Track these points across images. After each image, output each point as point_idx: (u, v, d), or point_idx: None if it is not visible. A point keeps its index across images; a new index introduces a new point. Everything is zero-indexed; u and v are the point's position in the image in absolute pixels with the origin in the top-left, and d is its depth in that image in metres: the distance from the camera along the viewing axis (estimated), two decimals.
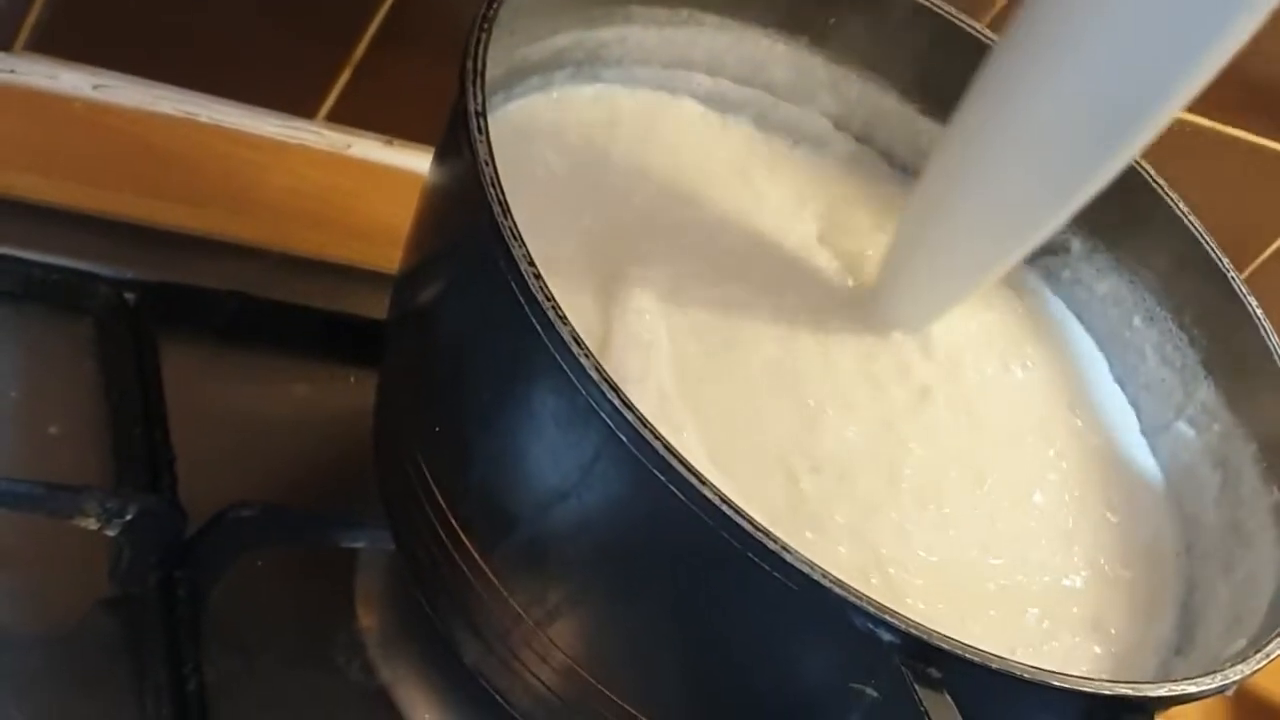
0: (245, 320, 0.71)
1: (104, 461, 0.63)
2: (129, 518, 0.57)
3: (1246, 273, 1.04)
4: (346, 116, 0.82)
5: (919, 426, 0.64)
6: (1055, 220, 0.63)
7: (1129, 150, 0.59)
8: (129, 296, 0.68)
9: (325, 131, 0.82)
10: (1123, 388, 0.71)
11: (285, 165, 0.80)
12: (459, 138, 0.54)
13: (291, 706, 0.61)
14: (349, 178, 0.82)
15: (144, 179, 0.75)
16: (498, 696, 0.59)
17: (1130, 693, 0.52)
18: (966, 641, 0.49)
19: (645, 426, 0.49)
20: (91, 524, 0.57)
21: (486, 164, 0.52)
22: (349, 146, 0.83)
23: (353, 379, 0.72)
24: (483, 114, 0.54)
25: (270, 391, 0.70)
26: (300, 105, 0.81)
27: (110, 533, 0.58)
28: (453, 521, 0.56)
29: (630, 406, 0.49)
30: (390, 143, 0.84)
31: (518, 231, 0.51)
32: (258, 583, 0.63)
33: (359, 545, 0.64)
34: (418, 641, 0.64)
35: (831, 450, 0.60)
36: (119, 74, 0.76)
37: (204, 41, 0.77)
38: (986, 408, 0.66)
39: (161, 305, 0.68)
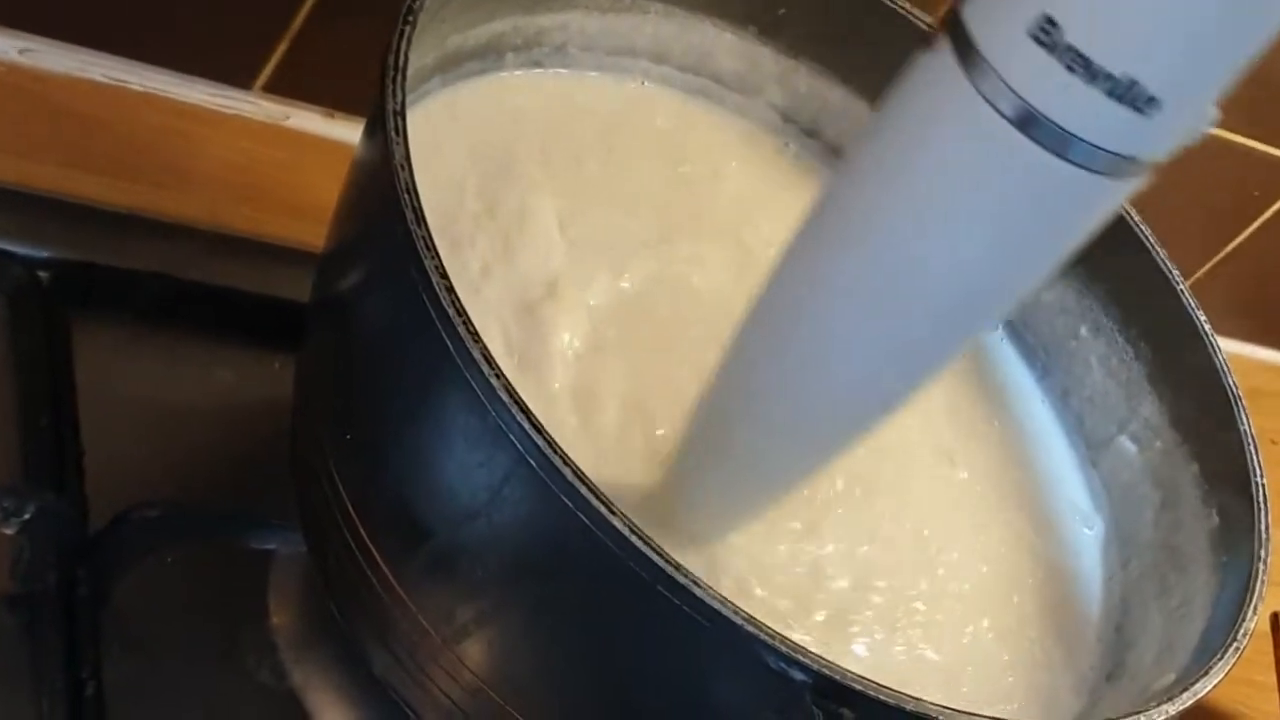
0: (167, 303, 0.68)
1: (9, 453, 0.61)
2: (27, 517, 0.55)
3: (1205, 269, 1.03)
4: (285, 87, 0.79)
5: None
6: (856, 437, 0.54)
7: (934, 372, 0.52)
8: (43, 275, 0.65)
9: (262, 102, 0.80)
10: (1066, 400, 0.70)
11: (220, 137, 0.78)
12: (377, 136, 0.52)
13: (196, 710, 0.59)
14: (286, 151, 0.80)
15: (69, 149, 0.73)
16: (407, 710, 0.57)
17: None
18: (878, 680, 0.48)
19: (555, 451, 0.47)
20: None
21: (402, 168, 0.50)
22: (287, 118, 0.80)
23: (278, 365, 0.70)
24: (401, 113, 0.51)
25: (191, 378, 0.68)
26: (236, 74, 0.78)
27: (8, 531, 0.56)
28: (362, 532, 0.54)
29: (540, 429, 0.47)
30: (330, 115, 0.81)
31: (432, 243, 0.49)
32: (166, 581, 0.61)
33: (269, 547, 0.62)
34: (331, 645, 0.62)
35: None
36: (46, 38, 0.74)
37: (137, 5, 0.74)
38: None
39: (78, 286, 0.66)
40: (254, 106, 0.79)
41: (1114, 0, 0.42)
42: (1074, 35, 0.42)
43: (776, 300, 0.52)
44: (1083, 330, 0.69)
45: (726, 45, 0.69)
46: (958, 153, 0.46)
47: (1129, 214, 0.67)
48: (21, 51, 0.73)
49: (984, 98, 0.44)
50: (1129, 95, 0.42)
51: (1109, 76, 0.42)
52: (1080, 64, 0.42)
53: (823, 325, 0.51)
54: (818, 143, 0.71)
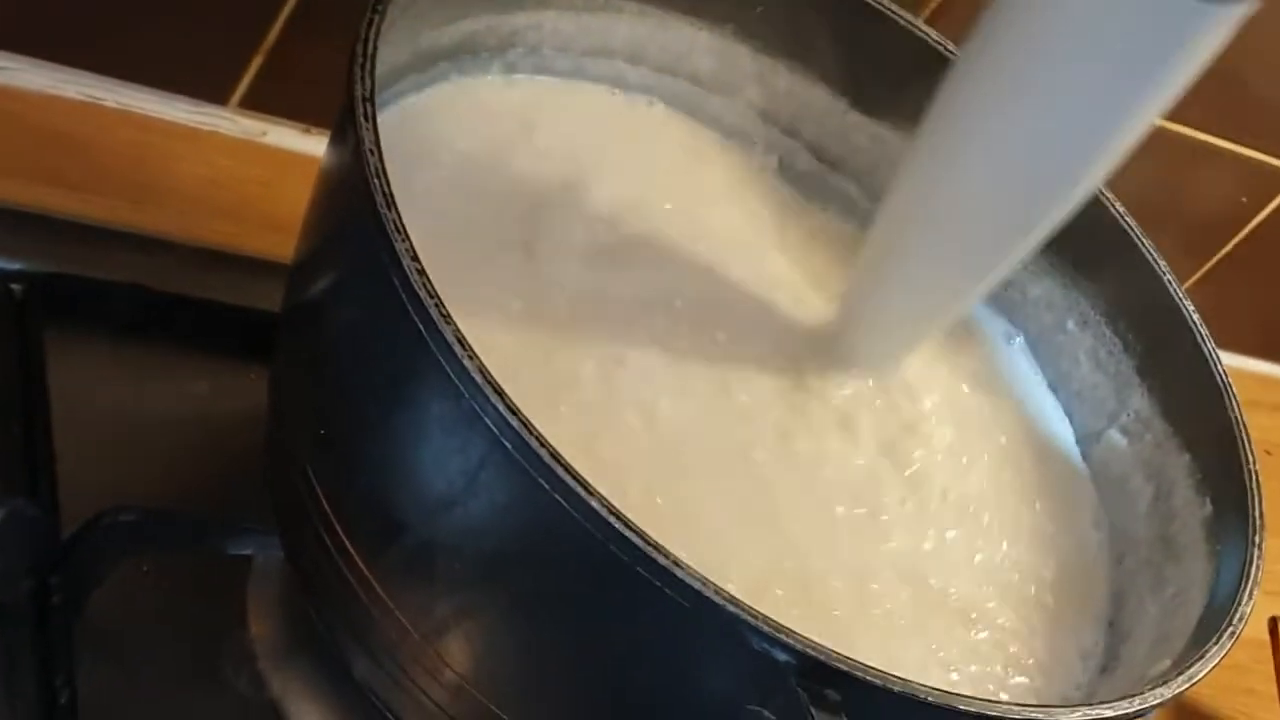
0: (143, 315, 0.67)
1: None
2: None
3: (1195, 278, 1.02)
4: (261, 102, 0.79)
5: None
6: (1010, 260, 0.62)
7: (1070, 200, 0.59)
8: (15, 288, 0.65)
9: (239, 118, 0.79)
10: (1055, 394, 0.69)
11: (197, 153, 0.77)
12: (346, 124, 0.51)
13: None
14: (263, 167, 0.79)
15: (46, 166, 0.72)
16: (389, 714, 0.56)
17: (1041, 717, 0.49)
18: (867, 662, 0.47)
19: (530, 432, 0.46)
20: None
21: (371, 152, 0.50)
22: (264, 134, 0.80)
23: (253, 376, 0.69)
24: (370, 100, 0.51)
25: (167, 390, 0.67)
26: (212, 90, 0.78)
27: None
28: (338, 529, 0.53)
29: (515, 411, 0.46)
30: (307, 130, 0.81)
31: (402, 225, 0.48)
32: (142, 589, 0.60)
33: (246, 553, 0.61)
34: (311, 652, 0.61)
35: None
36: (21, 56, 0.73)
37: (110, 23, 0.74)
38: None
39: (52, 298, 0.65)
40: (230, 123, 0.79)
41: None
42: None
43: (941, 132, 0.59)
44: (1070, 325, 0.68)
45: (703, 44, 0.68)
46: None
47: (1114, 207, 0.67)
48: None
49: None
50: None
51: None
52: None
53: (982, 148, 0.58)
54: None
